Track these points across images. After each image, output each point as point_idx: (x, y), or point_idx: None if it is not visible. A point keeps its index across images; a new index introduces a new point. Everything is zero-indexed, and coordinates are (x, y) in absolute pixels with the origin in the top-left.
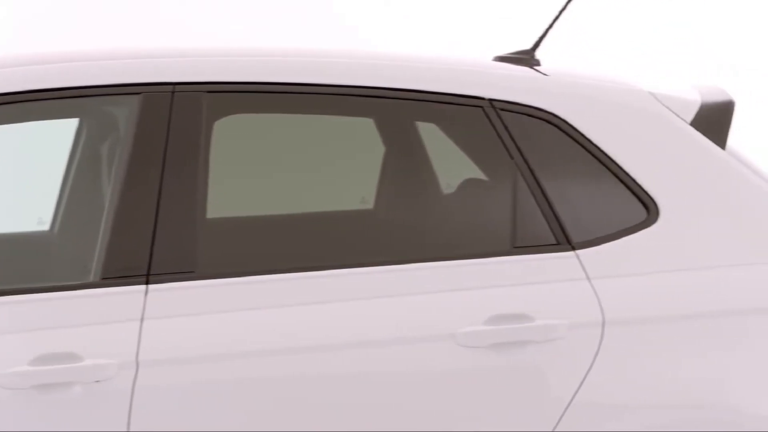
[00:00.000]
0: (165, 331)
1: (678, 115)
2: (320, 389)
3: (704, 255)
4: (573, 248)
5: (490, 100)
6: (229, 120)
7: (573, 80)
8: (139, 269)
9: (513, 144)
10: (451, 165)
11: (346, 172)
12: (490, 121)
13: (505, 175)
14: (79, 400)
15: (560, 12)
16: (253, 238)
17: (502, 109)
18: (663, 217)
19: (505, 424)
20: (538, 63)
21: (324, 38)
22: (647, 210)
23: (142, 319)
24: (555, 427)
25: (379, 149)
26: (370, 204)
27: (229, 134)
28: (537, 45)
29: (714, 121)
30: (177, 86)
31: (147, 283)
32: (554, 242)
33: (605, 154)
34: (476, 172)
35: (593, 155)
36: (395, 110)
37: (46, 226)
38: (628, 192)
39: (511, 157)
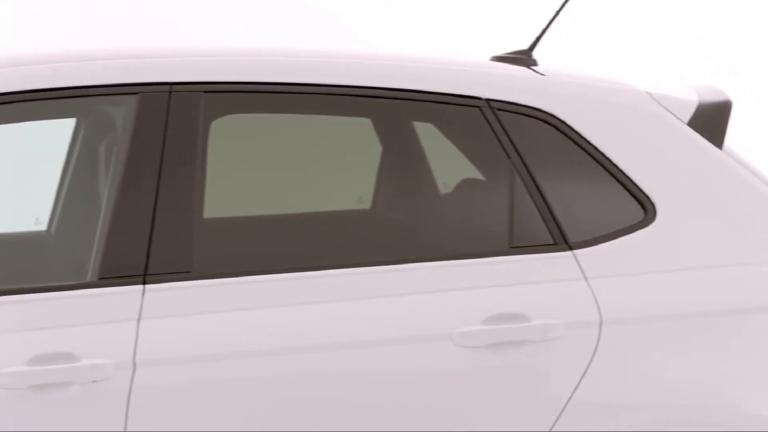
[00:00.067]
0: (162, 331)
1: (675, 115)
2: (317, 389)
3: (701, 255)
4: (570, 248)
5: (488, 100)
6: (226, 120)
7: (570, 80)
8: (136, 269)
9: (510, 144)
10: (449, 165)
11: (343, 172)
12: (487, 121)
13: (503, 175)
14: (76, 400)
15: (557, 12)
16: (250, 238)
17: (500, 109)
18: (660, 217)
19: (503, 424)
20: (535, 63)
21: (323, 38)
22: (644, 210)
23: (139, 319)
24: (552, 426)
25: (376, 149)
26: (367, 204)
27: (226, 134)
28: (534, 45)
29: (711, 121)
30: (174, 86)
31: (144, 283)
32: (551, 242)
33: (602, 154)
34: (473, 172)
35: (590, 155)
36: (392, 110)
37: (43, 226)
38: (625, 192)
39: (509, 157)
